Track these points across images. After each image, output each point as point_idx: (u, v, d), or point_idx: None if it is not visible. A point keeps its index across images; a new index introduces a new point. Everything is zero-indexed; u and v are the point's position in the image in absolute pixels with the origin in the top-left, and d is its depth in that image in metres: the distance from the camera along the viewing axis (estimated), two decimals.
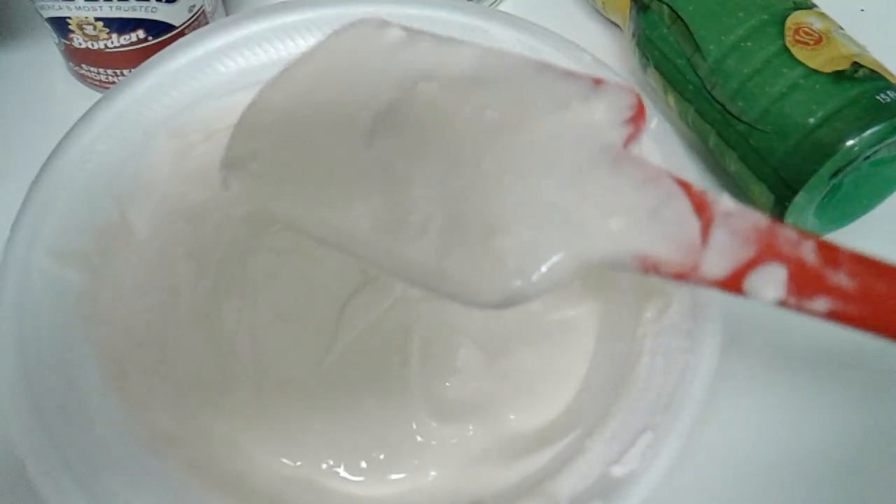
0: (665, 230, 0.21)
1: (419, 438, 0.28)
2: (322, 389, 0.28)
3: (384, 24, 0.26)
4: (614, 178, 0.22)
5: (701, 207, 0.21)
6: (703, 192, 0.22)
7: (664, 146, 0.30)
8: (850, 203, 0.33)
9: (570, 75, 0.25)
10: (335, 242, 0.23)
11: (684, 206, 0.21)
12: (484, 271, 0.21)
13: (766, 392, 0.32)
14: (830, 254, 0.20)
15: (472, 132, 0.23)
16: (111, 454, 0.26)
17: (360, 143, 0.24)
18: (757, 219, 0.21)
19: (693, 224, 0.21)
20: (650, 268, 0.21)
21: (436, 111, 0.24)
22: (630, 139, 0.23)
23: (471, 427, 0.28)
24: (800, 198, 0.32)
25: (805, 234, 0.21)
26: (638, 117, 0.24)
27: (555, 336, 0.29)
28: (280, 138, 0.24)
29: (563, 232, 0.21)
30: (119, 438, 0.27)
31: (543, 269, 0.21)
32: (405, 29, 0.26)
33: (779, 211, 0.33)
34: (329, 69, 0.25)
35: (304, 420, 0.28)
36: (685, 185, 0.22)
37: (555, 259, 0.21)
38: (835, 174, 0.31)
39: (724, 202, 0.22)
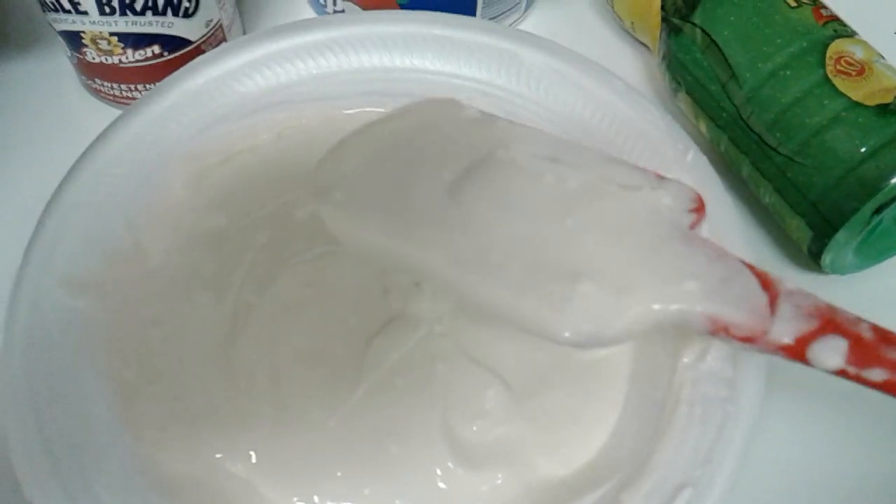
0: (737, 297, 0.24)
1: (442, 485, 0.27)
2: (343, 431, 0.27)
3: (461, 104, 0.28)
4: (687, 249, 0.24)
5: (767, 284, 0.24)
6: (767, 273, 0.24)
7: (701, 179, 0.29)
8: (887, 240, 0.32)
9: (638, 168, 0.27)
10: (411, 270, 0.25)
11: (753, 280, 0.24)
12: (565, 310, 0.23)
13: (808, 438, 0.31)
14: (884, 333, 0.24)
15: (554, 194, 0.26)
16: (124, 497, 0.25)
17: (442, 191, 0.25)
18: (817, 299, 0.24)
19: (761, 296, 0.24)
20: (720, 329, 0.24)
21: (518, 173, 0.26)
22: (694, 225, 0.26)
23: (499, 475, 0.27)
24: (840, 235, 0.30)
25: (860, 317, 0.24)
26: (700, 210, 0.26)
27: (586, 377, 0.28)
28: (364, 179, 0.26)
29: (643, 286, 0.23)
30: (131, 480, 0.26)
31: (624, 317, 0.23)
32: (481, 111, 0.28)
33: (817, 247, 0.31)
34: (409, 128, 0.27)
35: (323, 462, 0.27)
36: (750, 266, 0.25)
37: (634, 310, 0.23)
38: (877, 211, 0.30)
39: (787, 283, 0.24)
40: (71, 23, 0.35)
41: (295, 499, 0.26)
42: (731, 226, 0.29)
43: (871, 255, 0.33)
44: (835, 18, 0.33)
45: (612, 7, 0.41)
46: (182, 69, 0.33)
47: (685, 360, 0.27)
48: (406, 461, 0.27)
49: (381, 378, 0.28)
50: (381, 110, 0.34)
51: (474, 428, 0.27)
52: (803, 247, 0.32)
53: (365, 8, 0.39)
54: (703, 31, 0.34)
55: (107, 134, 0.31)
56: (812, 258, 0.32)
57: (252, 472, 0.27)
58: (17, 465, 0.25)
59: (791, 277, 0.34)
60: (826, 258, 0.32)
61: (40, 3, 0.35)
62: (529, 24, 0.42)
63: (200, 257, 0.31)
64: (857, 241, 0.31)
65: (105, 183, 0.30)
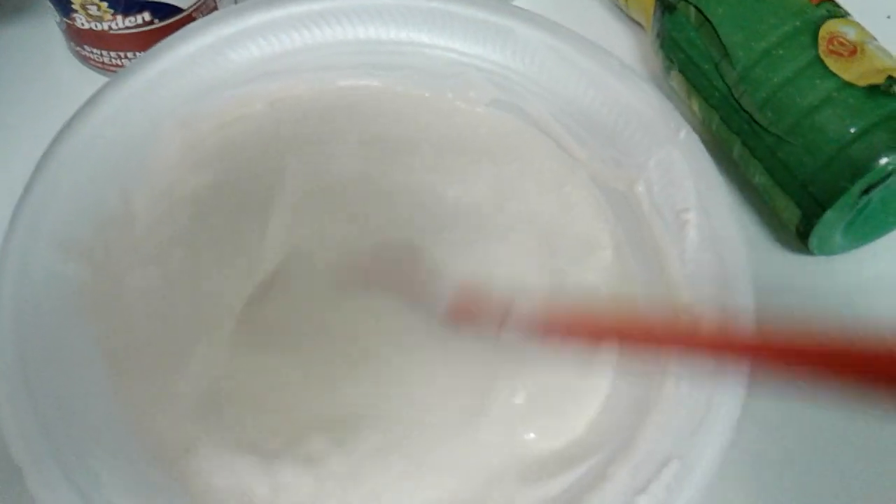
0: None
1: (430, 456, 0.27)
2: (330, 395, 0.27)
3: None
4: None
5: None
6: None
7: (692, 158, 0.30)
8: (875, 220, 0.32)
9: None
10: None
11: None
12: None
13: (796, 413, 0.31)
14: None
15: None
16: (114, 465, 0.25)
17: None
18: None
19: None
20: None
21: None
22: None
23: (486, 448, 0.27)
24: (829, 215, 0.31)
25: None
26: None
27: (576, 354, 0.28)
28: None
29: None
30: (121, 445, 0.26)
31: None
32: None
33: (806, 227, 0.32)
34: None
35: (306, 422, 0.27)
36: None
37: None
38: (865, 192, 0.30)
39: None
40: None
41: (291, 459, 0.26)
42: (721, 206, 0.29)
43: (858, 236, 0.33)
44: None
45: None
46: (173, 36, 0.32)
47: None
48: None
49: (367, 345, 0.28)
50: (376, 83, 0.35)
51: (463, 399, 0.27)
52: (792, 227, 0.33)
53: None
54: (697, 9, 0.34)
55: (97, 97, 0.30)
56: (800, 239, 0.33)
57: (244, 438, 0.27)
58: (5, 429, 0.24)
59: (779, 259, 0.34)
60: (814, 239, 0.32)
61: None
62: (526, 1, 0.42)
63: (191, 225, 0.30)
64: (845, 221, 0.31)
65: (95, 147, 0.30)
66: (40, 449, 0.24)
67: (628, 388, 0.27)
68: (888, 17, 0.42)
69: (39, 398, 0.25)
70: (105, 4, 0.35)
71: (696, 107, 0.36)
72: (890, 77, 0.31)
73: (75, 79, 0.39)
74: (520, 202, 0.32)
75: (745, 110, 0.33)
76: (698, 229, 0.28)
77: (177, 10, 0.36)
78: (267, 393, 0.28)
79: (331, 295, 0.29)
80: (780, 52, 0.32)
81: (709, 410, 0.25)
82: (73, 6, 0.35)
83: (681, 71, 0.36)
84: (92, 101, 0.30)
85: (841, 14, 0.33)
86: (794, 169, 0.31)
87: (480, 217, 0.32)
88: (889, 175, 0.29)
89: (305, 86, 0.34)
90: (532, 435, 0.27)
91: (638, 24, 0.41)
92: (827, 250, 0.33)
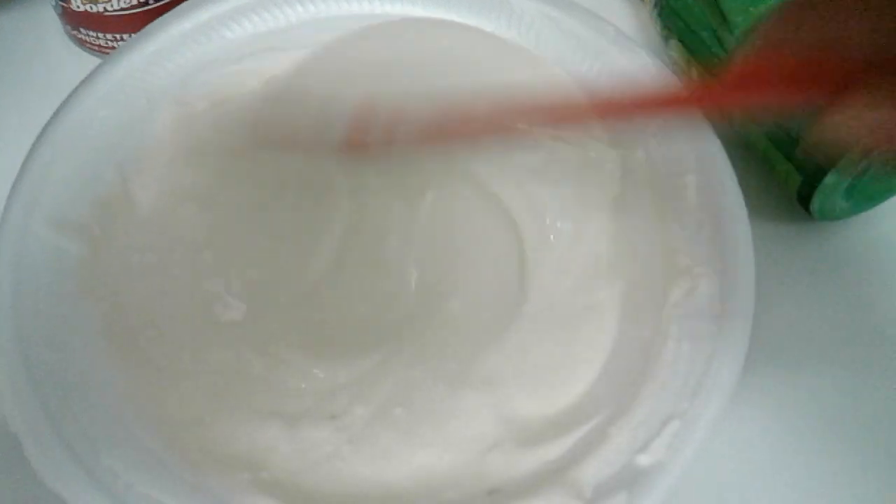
0: None
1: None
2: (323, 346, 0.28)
3: None
4: None
5: None
6: None
7: (692, 126, 0.29)
8: (876, 185, 0.32)
9: None
10: None
11: None
12: None
13: (796, 379, 0.31)
14: None
15: None
16: (111, 433, 0.25)
17: None
18: None
19: None
20: None
21: None
22: None
23: (485, 415, 0.27)
24: (829, 178, 0.30)
25: None
26: None
27: (577, 318, 0.28)
28: None
29: None
30: (119, 418, 0.26)
31: None
32: None
33: (807, 191, 0.31)
34: None
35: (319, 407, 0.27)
36: None
37: None
38: (866, 154, 0.30)
39: None
40: None
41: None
42: (722, 173, 0.29)
43: (860, 200, 0.33)
44: None
45: None
46: (168, 13, 0.32)
47: (673, 297, 0.27)
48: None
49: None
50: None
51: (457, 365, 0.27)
52: (793, 192, 0.32)
53: None
54: None
55: (94, 76, 0.30)
56: (802, 204, 0.32)
57: (232, 418, 0.27)
58: (3, 403, 0.24)
59: (781, 226, 0.34)
60: (815, 203, 0.32)
61: None
62: None
63: (189, 208, 0.30)
64: (846, 185, 0.31)
65: (92, 126, 0.30)
66: (38, 417, 0.24)
67: (628, 348, 0.27)
68: None
69: (37, 373, 0.25)
70: None
71: (695, 75, 0.35)
72: None
73: (71, 61, 0.39)
74: None
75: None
76: (698, 193, 0.28)
77: None
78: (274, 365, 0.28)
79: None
80: None
81: (709, 369, 0.24)
82: None
83: (679, 39, 0.35)
84: (87, 81, 0.30)
85: None
86: (794, 133, 0.31)
87: None
88: None
89: (298, 63, 0.34)
90: (530, 399, 0.27)
91: None
92: (829, 214, 0.33)
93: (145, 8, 0.36)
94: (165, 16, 0.32)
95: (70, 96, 0.30)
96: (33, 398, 0.24)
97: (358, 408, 0.27)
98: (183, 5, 0.33)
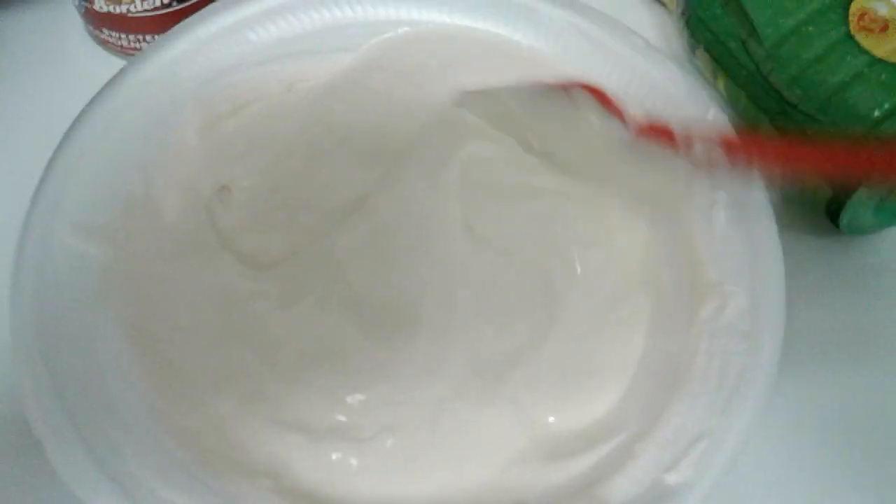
0: None
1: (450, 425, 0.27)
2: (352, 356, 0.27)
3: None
4: None
5: None
6: None
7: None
8: None
9: None
10: None
11: None
12: None
13: (826, 393, 0.30)
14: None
15: None
16: (134, 438, 0.25)
17: None
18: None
19: None
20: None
21: None
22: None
23: (511, 427, 0.26)
24: (859, 194, 0.30)
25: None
26: None
27: (605, 333, 0.28)
28: None
29: None
30: (142, 423, 0.26)
31: None
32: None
33: (836, 206, 0.31)
34: None
35: (341, 424, 0.27)
36: None
37: None
38: None
39: None
40: None
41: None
42: (752, 187, 0.29)
43: (889, 215, 0.32)
44: None
45: None
46: (193, 16, 0.32)
47: (703, 314, 0.26)
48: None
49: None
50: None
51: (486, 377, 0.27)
52: (822, 206, 0.32)
53: None
54: None
55: (118, 79, 0.30)
56: (830, 218, 0.32)
57: (255, 422, 0.27)
58: (26, 406, 0.24)
59: (808, 238, 0.34)
60: (844, 218, 0.31)
61: None
62: None
63: (213, 216, 0.30)
64: (875, 200, 0.31)
65: (116, 128, 0.30)
66: (61, 424, 0.24)
67: (656, 364, 0.27)
68: None
69: (59, 373, 0.25)
70: None
71: (722, 86, 0.35)
72: None
73: (93, 62, 0.38)
74: None
75: (773, 88, 0.32)
76: (727, 208, 0.28)
77: None
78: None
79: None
80: (810, 28, 0.31)
81: (739, 387, 0.24)
82: None
83: (707, 49, 0.35)
84: (111, 84, 0.30)
85: None
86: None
87: None
88: None
89: (326, 67, 0.33)
90: (556, 414, 0.27)
91: (660, 2, 0.40)
92: (857, 229, 0.33)
93: (169, 9, 0.36)
94: (189, 19, 0.32)
95: (94, 99, 0.30)
96: (57, 404, 0.24)
97: (383, 423, 0.26)
98: (207, 9, 0.32)
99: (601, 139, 0.28)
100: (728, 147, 0.26)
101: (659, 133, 0.27)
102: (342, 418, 0.27)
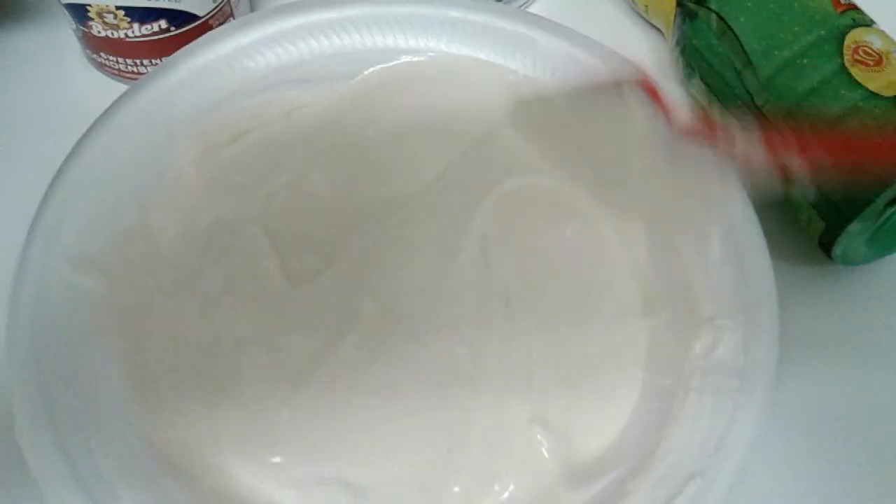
0: None
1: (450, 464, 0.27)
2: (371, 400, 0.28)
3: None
4: None
5: None
6: None
7: (717, 169, 0.29)
8: None
9: None
10: None
11: None
12: None
13: (819, 425, 0.31)
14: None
15: None
16: (131, 475, 0.25)
17: None
18: None
19: None
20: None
21: None
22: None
23: (511, 462, 0.26)
24: (853, 226, 0.30)
25: None
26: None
27: (602, 369, 0.28)
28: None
29: None
30: (138, 459, 0.26)
31: None
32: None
33: (829, 238, 0.31)
34: None
35: (344, 452, 0.27)
36: None
37: None
38: (890, 203, 0.30)
39: None
40: None
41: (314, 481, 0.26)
42: (744, 217, 0.29)
43: (882, 246, 0.32)
44: (853, 7, 0.33)
45: None
46: (190, 45, 0.32)
47: (696, 349, 0.26)
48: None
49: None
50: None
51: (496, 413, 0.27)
52: (815, 238, 0.32)
53: None
54: (719, 16, 0.34)
55: (114, 109, 0.30)
56: (823, 249, 0.32)
57: (249, 468, 0.27)
58: (22, 442, 0.24)
59: (801, 268, 0.34)
60: (837, 249, 0.32)
61: None
62: (540, 6, 0.42)
63: (209, 247, 0.30)
64: (869, 232, 0.31)
65: (112, 159, 0.30)
66: (55, 460, 0.24)
67: (651, 399, 0.27)
68: None
69: (55, 407, 0.25)
70: (121, 13, 0.35)
71: (716, 115, 0.35)
72: None
73: (91, 86, 0.38)
74: None
75: (768, 119, 0.32)
76: (721, 242, 0.28)
77: (193, 17, 0.36)
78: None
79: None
80: (805, 61, 0.32)
81: (732, 426, 0.24)
82: (90, 14, 0.35)
83: (702, 79, 0.35)
84: (107, 114, 0.30)
85: (866, 22, 0.32)
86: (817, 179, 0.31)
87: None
88: None
89: (323, 94, 0.33)
90: (547, 452, 0.27)
91: (657, 29, 0.40)
92: (850, 260, 0.33)
93: (167, 34, 0.36)
94: (186, 47, 0.32)
95: (90, 129, 0.30)
96: (51, 439, 0.24)
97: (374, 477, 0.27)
98: (204, 37, 0.32)
99: (643, 138, 0.29)
100: (769, 143, 0.26)
101: (702, 131, 0.28)
102: (338, 457, 0.27)
